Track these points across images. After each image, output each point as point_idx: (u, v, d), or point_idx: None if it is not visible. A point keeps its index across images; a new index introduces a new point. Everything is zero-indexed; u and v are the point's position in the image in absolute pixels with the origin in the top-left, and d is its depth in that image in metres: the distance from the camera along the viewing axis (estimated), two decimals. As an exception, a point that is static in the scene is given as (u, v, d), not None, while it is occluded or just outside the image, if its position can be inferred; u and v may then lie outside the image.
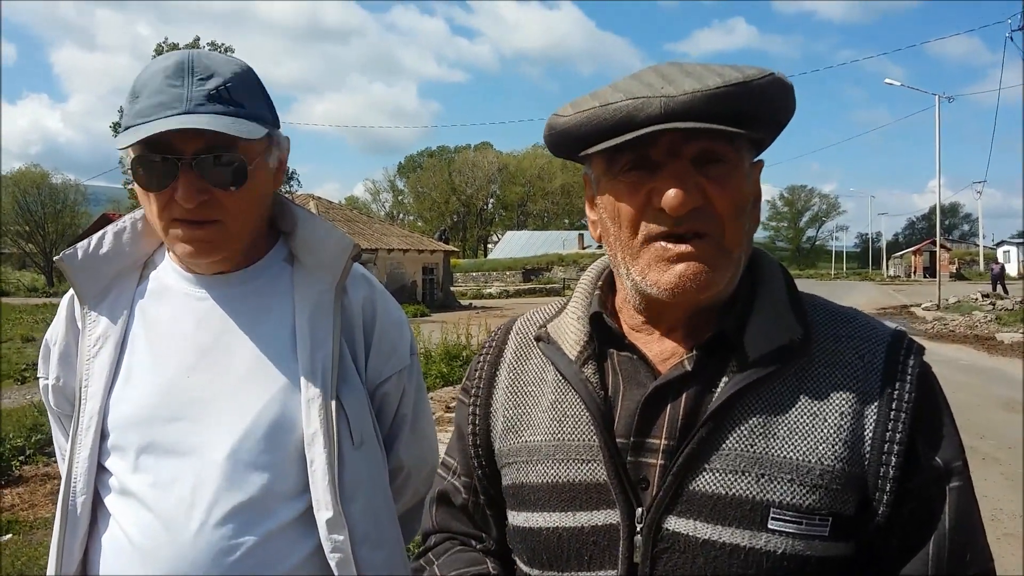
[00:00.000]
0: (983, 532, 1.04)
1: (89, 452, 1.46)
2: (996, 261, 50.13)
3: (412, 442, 1.61)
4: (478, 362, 1.28)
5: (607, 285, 1.18)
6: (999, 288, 35.07)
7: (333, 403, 1.42)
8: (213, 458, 1.39)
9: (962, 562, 1.00)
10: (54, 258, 1.59)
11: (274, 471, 1.39)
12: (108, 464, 1.46)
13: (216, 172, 1.36)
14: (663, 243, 1.01)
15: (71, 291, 1.55)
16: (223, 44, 56.15)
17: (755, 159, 1.09)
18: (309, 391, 1.41)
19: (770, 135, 1.08)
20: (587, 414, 1.08)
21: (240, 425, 1.40)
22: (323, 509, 1.39)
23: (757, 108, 1.00)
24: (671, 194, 0.97)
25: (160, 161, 1.35)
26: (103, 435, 1.46)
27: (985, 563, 1.02)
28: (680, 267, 1.00)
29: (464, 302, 39.96)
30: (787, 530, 0.97)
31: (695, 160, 1.00)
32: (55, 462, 8.04)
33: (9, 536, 5.85)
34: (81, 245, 1.54)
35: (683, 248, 1.00)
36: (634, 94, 0.98)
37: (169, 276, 1.54)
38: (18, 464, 7.78)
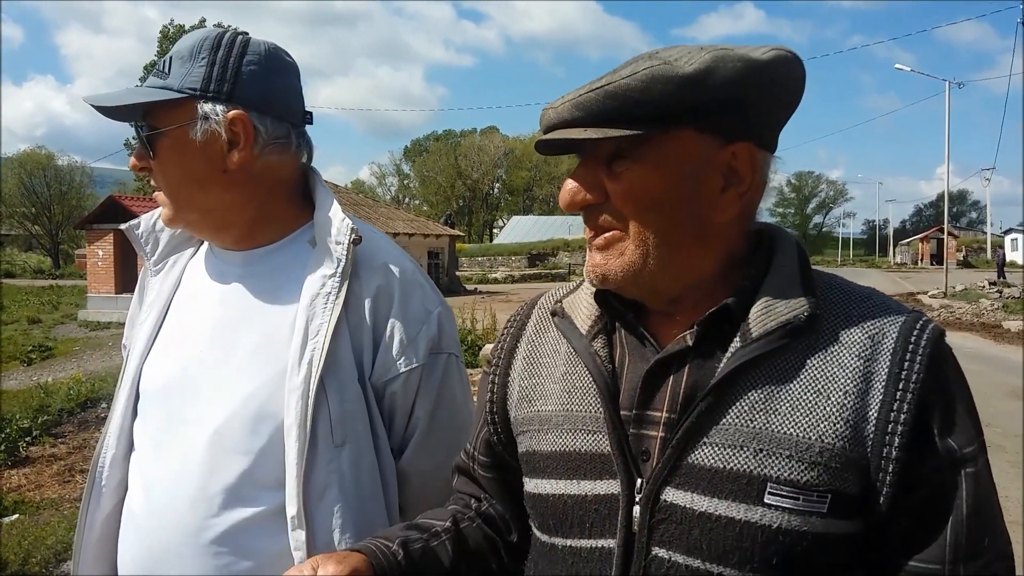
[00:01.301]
0: (1001, 516, 1.03)
1: (121, 412, 1.54)
2: (1001, 247, 50.01)
3: (428, 448, 1.48)
4: (503, 334, 1.31)
5: None
6: (1003, 274, 35.01)
7: (312, 396, 1.36)
8: (200, 437, 1.39)
9: (980, 546, 0.99)
10: (121, 226, 1.71)
11: (254, 458, 1.37)
12: (134, 428, 1.53)
13: (145, 140, 1.45)
14: (589, 235, 1.09)
15: None
16: (230, 26, 55.91)
17: (730, 143, 1.03)
18: (292, 381, 1.37)
19: (664, 126, 1.00)
20: (594, 387, 1.10)
21: (229, 407, 1.39)
22: (291, 504, 1.35)
23: (626, 107, 0.99)
24: (562, 190, 1.07)
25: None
26: (136, 399, 1.54)
27: (1004, 546, 1.02)
28: (590, 258, 1.09)
29: (469, 287, 39.96)
30: (784, 505, 0.97)
31: (609, 157, 1.04)
32: (61, 443, 8.14)
33: (16, 516, 5.89)
34: (144, 216, 1.64)
35: (592, 240, 1.08)
36: (549, 104, 1.07)
37: (210, 249, 1.59)
38: (24, 445, 7.84)
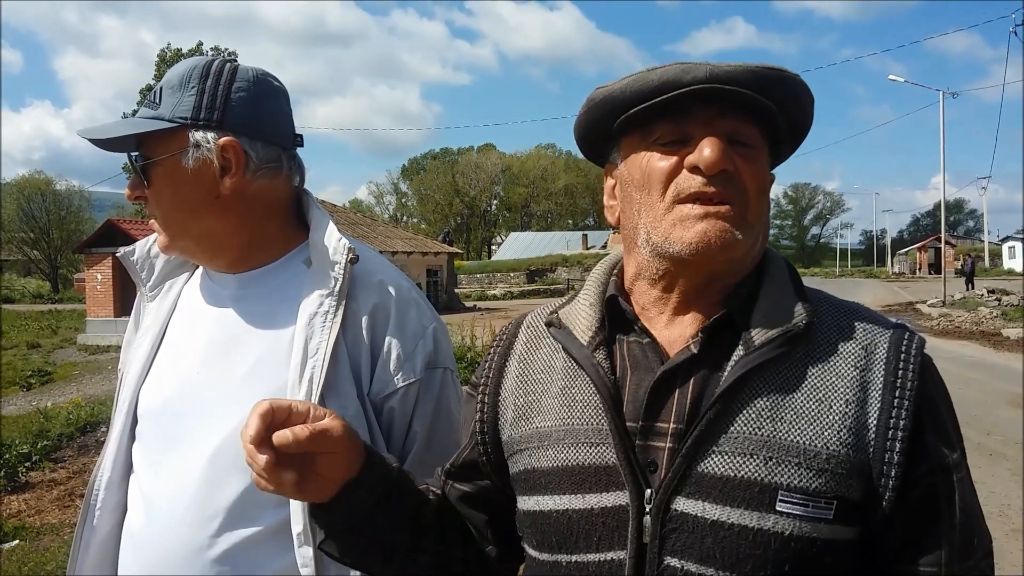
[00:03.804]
0: (983, 515, 1.08)
1: (117, 435, 1.55)
2: (968, 255, 50.38)
3: (427, 461, 1.45)
4: (489, 355, 1.29)
5: (620, 273, 1.21)
6: (971, 282, 35.24)
7: None
8: (199, 457, 1.40)
9: (971, 547, 1.03)
10: (116, 253, 1.72)
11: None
12: (133, 451, 1.53)
13: (139, 170, 1.46)
14: (691, 202, 1.04)
15: None
16: (227, 49, 56.21)
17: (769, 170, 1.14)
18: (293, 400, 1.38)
19: (790, 137, 1.14)
20: (597, 398, 1.09)
21: (228, 426, 1.39)
22: (296, 521, 1.35)
23: (786, 97, 1.07)
24: (708, 150, 1.02)
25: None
26: (134, 422, 1.55)
27: (987, 544, 1.06)
28: (705, 224, 1.03)
29: (468, 304, 39.97)
30: (795, 512, 0.98)
31: (727, 137, 1.05)
32: (61, 468, 8.11)
33: (16, 543, 5.86)
34: (139, 243, 1.65)
35: (710, 207, 1.03)
36: (700, 63, 1.05)
37: (205, 273, 1.60)
38: (24, 470, 7.81)
